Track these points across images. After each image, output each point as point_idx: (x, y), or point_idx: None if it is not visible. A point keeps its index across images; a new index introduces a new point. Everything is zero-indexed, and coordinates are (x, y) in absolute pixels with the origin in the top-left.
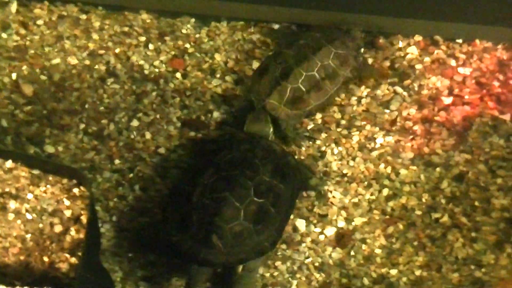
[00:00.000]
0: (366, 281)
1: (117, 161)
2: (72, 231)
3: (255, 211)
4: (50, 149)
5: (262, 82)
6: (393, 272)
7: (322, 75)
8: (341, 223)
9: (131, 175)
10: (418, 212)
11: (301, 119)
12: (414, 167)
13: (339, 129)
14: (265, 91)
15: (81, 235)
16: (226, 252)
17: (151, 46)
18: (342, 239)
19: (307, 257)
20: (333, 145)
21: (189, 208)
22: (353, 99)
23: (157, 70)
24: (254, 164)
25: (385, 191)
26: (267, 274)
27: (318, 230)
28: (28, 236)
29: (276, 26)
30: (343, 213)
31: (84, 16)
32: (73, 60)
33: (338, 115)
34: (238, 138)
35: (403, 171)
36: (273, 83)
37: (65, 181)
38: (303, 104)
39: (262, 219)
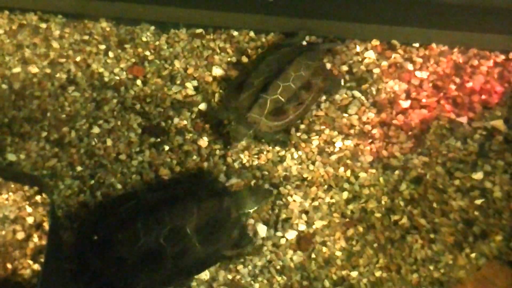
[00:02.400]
0: (327, 283)
1: (78, 168)
2: (35, 238)
3: (149, 251)
4: (11, 157)
5: (240, 97)
6: (354, 274)
7: (298, 84)
8: (302, 227)
9: (92, 181)
10: (378, 215)
11: (281, 131)
12: (373, 170)
13: (298, 134)
14: (246, 106)
15: (43, 242)
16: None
17: (111, 54)
18: (302, 242)
19: (269, 261)
20: (292, 149)
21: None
22: None
23: (117, 77)
24: (189, 213)
25: (345, 194)
26: (229, 277)
27: (279, 234)
28: None
29: (235, 33)
30: (304, 216)
31: (44, 25)
32: (33, 69)
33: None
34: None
35: (362, 174)
36: (253, 97)
37: (26, 188)
38: (284, 115)
39: (152, 262)
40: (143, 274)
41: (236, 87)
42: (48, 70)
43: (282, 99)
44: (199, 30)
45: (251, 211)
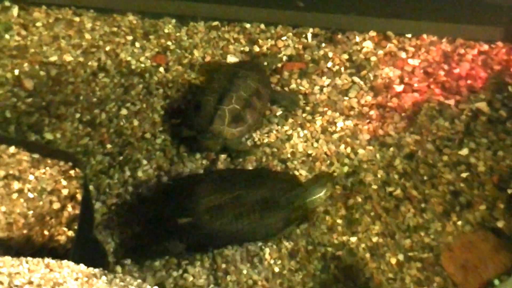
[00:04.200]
0: (329, 248)
1: (108, 146)
2: (69, 208)
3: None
4: (49, 136)
5: (201, 114)
6: (353, 239)
7: (249, 93)
8: None
9: (121, 158)
10: (374, 187)
11: (244, 136)
12: (371, 147)
13: (304, 115)
14: (207, 120)
15: (77, 211)
16: None
17: (137, 44)
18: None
19: None
20: (299, 129)
21: None
22: (316, 88)
23: (142, 65)
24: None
25: (345, 169)
26: None
27: None
28: (30, 212)
29: (247, 25)
30: None
31: (77, 19)
32: (68, 57)
33: (302, 103)
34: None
35: (361, 151)
36: (212, 111)
37: (62, 163)
38: (242, 121)
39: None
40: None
41: (194, 106)
42: (81, 59)
43: (238, 107)
44: (215, 23)
45: (321, 195)
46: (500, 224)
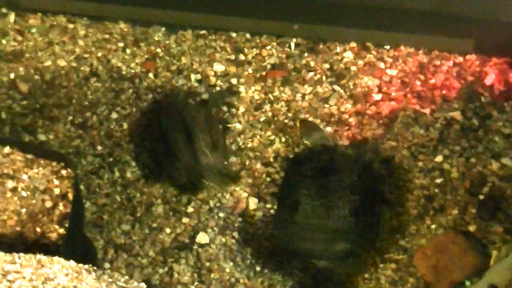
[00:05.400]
0: None
1: (99, 147)
2: (60, 206)
3: None
4: (42, 137)
5: (184, 161)
6: None
7: (204, 126)
8: None
9: (111, 159)
10: None
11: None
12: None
13: (286, 121)
14: (193, 162)
15: (68, 210)
16: None
17: (127, 51)
18: None
19: None
20: (280, 134)
21: None
22: (298, 96)
23: (133, 71)
24: None
25: None
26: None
27: (268, 205)
28: (23, 210)
29: (233, 34)
30: None
31: (71, 25)
32: (61, 63)
33: (285, 109)
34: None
35: None
36: (191, 153)
37: (54, 164)
38: (218, 148)
39: None
40: None
41: (174, 159)
42: (74, 64)
43: (208, 139)
44: (202, 32)
45: None
46: (471, 228)
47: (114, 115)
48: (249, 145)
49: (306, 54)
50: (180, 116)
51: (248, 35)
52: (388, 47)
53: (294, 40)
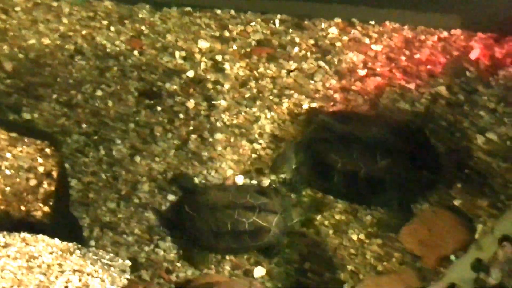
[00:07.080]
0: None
1: (84, 126)
2: (45, 185)
3: None
4: (27, 116)
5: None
6: (317, 217)
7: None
8: (273, 176)
9: (96, 137)
10: None
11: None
12: None
13: (271, 97)
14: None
15: (53, 188)
16: None
17: (112, 28)
18: None
19: None
20: (266, 110)
21: None
22: (283, 72)
23: (117, 48)
24: None
25: None
26: None
27: (254, 182)
28: (8, 189)
29: (218, 11)
30: None
31: (55, 3)
32: (46, 41)
33: (270, 86)
34: None
35: None
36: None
37: (38, 142)
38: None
39: None
40: None
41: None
42: (58, 42)
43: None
44: (187, 9)
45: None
46: (456, 202)
47: (99, 93)
48: (235, 121)
49: (291, 30)
50: None
51: (232, 12)
52: (373, 22)
53: (279, 16)
